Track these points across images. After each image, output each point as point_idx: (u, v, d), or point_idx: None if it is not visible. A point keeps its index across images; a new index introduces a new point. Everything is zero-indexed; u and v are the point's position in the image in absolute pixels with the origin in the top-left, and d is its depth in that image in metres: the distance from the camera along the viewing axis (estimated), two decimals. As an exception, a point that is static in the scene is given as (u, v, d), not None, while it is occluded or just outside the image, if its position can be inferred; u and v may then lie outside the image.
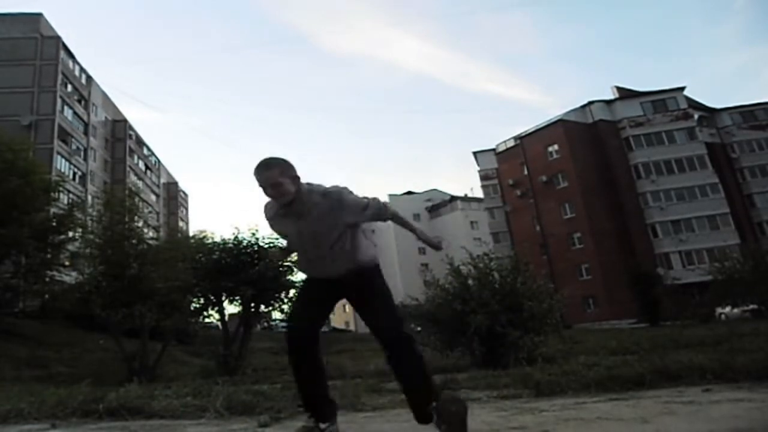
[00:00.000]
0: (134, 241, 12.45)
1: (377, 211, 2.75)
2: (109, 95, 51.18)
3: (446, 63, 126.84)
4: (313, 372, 2.65)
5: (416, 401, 2.50)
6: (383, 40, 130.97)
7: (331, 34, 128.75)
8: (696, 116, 44.69)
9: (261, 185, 2.56)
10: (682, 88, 44.72)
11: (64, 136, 39.74)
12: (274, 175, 2.53)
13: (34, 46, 39.49)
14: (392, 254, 55.25)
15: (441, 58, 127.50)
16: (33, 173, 17.79)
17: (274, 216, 2.71)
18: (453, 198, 68.83)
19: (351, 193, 2.67)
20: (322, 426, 2.55)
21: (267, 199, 2.67)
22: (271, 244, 12.03)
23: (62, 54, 40.69)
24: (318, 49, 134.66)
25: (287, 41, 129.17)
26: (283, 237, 2.86)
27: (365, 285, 2.69)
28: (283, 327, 35.63)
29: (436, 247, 2.93)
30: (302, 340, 2.66)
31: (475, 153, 51.88)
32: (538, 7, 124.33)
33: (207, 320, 13.82)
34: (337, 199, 2.60)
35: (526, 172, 45.65)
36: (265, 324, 28.12)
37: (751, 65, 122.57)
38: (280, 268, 11.91)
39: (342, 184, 2.67)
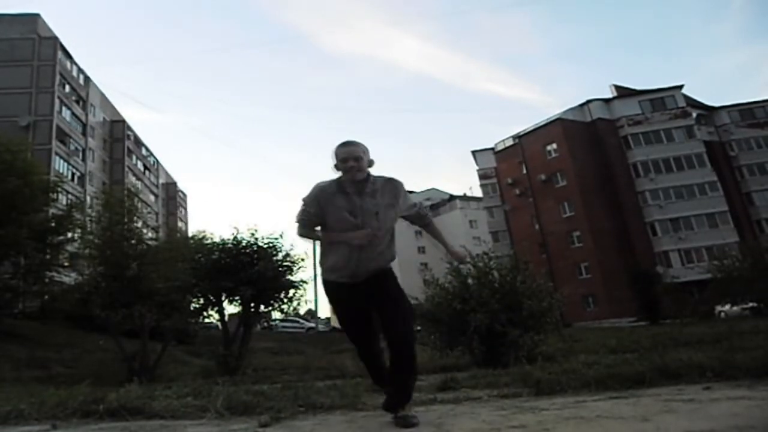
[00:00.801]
0: (133, 242, 12.44)
1: (423, 212, 3.05)
2: (108, 96, 51.14)
3: (446, 63, 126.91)
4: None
5: (400, 390, 2.73)
6: (383, 40, 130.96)
7: (331, 34, 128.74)
8: (694, 114, 44.71)
9: (343, 157, 2.73)
10: (681, 87, 44.74)
11: (63, 137, 39.68)
12: (359, 150, 2.76)
13: (32, 47, 39.42)
14: (391, 254, 55.15)
15: (440, 58, 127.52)
16: (31, 174, 17.75)
17: (335, 194, 2.77)
18: (452, 197, 68.85)
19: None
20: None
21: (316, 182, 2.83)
22: (270, 244, 12.04)
23: (60, 54, 40.62)
24: (318, 49, 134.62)
25: (287, 41, 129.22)
26: (335, 220, 2.82)
27: (390, 286, 2.83)
28: (283, 327, 35.42)
29: (462, 260, 3.56)
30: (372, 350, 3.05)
31: (473, 152, 51.86)
32: (537, 7, 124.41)
33: (207, 320, 13.82)
34: (399, 185, 2.84)
35: (524, 171, 45.64)
36: (265, 324, 28.15)
37: (749, 63, 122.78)
38: (280, 268, 11.92)
39: None
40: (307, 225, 2.89)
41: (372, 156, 2.83)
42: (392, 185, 2.81)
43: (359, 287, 2.79)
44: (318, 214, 2.81)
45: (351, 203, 2.74)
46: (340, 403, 3.37)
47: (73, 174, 40.59)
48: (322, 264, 2.96)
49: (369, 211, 2.73)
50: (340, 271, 2.82)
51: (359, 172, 2.72)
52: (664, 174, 41.53)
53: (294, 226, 2.96)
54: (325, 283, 2.97)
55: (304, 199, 2.88)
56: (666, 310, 27.20)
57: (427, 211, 3.00)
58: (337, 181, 2.80)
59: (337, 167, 2.80)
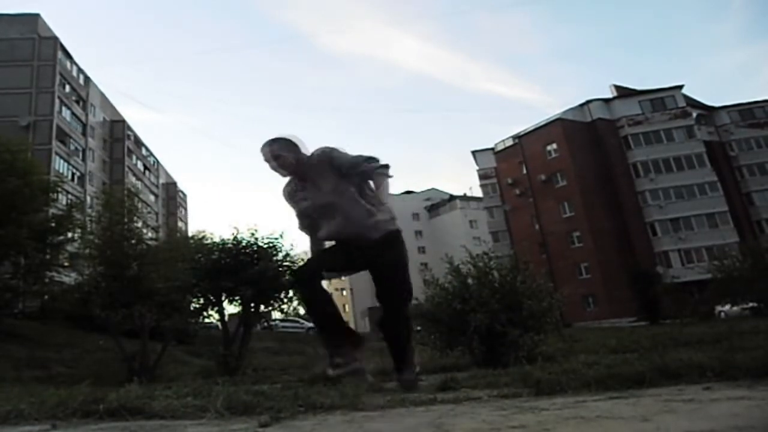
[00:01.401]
0: (133, 242, 12.45)
1: (367, 161, 2.95)
2: (108, 96, 51.19)
3: (446, 63, 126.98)
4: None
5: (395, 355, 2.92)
6: (383, 39, 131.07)
7: (331, 34, 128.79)
8: (694, 114, 44.74)
9: (265, 160, 2.86)
10: (681, 87, 44.77)
11: (63, 137, 39.70)
12: (275, 148, 2.85)
13: (32, 47, 39.45)
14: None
15: (440, 58, 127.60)
16: (32, 174, 17.76)
17: (294, 191, 3.03)
18: (452, 197, 68.86)
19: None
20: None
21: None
22: (271, 244, 12.04)
23: (60, 54, 40.65)
24: (318, 49, 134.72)
25: (287, 41, 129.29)
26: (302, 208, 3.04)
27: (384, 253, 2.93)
28: (283, 327, 35.43)
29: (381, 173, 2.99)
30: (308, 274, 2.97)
31: (473, 152, 51.91)
32: (537, 7, 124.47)
33: (207, 320, 13.81)
34: (324, 155, 2.84)
35: (524, 171, 45.68)
36: (265, 324, 28.14)
37: (749, 63, 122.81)
38: (280, 268, 11.92)
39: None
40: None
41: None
42: (321, 158, 2.85)
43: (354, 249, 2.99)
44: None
45: (306, 194, 2.95)
46: (340, 403, 3.37)
47: (73, 174, 40.62)
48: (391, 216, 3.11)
49: (321, 193, 2.86)
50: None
51: (282, 169, 2.87)
52: (664, 174, 41.55)
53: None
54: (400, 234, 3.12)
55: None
56: (666, 310, 27.21)
57: (372, 162, 2.88)
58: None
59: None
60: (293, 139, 2.80)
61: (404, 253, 2.92)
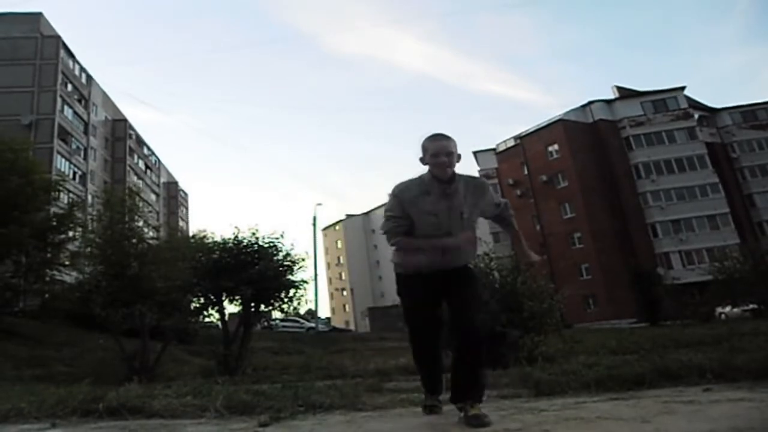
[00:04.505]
0: (134, 241, 12.45)
1: (506, 213, 3.00)
2: (109, 95, 51.20)
3: (447, 63, 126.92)
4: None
5: (469, 384, 2.61)
6: (384, 40, 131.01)
7: (331, 34, 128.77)
8: (696, 116, 44.69)
9: (435, 152, 2.60)
10: (683, 88, 44.72)
11: (64, 136, 39.74)
12: (452, 145, 2.63)
13: (34, 46, 39.48)
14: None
15: (441, 58, 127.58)
16: (33, 173, 17.79)
17: (418, 196, 2.64)
18: (453, 197, 68.80)
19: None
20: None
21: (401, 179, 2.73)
22: (271, 244, 12.03)
23: (62, 53, 40.68)
24: (318, 49, 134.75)
25: (288, 41, 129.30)
26: (419, 224, 2.69)
27: (463, 279, 2.75)
28: (283, 327, 35.42)
29: (532, 263, 3.25)
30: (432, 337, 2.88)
31: (474, 152, 51.87)
32: (538, 7, 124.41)
33: (207, 320, 13.81)
34: (484, 185, 2.77)
35: (526, 172, 45.65)
36: (266, 324, 28.14)
37: (752, 65, 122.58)
38: (280, 268, 11.91)
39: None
40: (399, 233, 2.71)
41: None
42: (477, 184, 2.74)
43: (434, 278, 2.72)
44: (406, 217, 2.67)
45: (436, 205, 2.63)
46: (340, 403, 3.37)
47: (74, 173, 40.65)
48: (396, 261, 2.86)
49: (455, 212, 2.64)
50: (416, 268, 2.76)
51: (449, 168, 2.60)
52: (665, 175, 41.51)
53: (384, 237, 2.78)
54: (399, 276, 2.89)
55: (386, 209, 2.75)
56: (666, 311, 27.18)
57: (510, 212, 2.92)
58: (420, 179, 2.68)
59: (423, 161, 2.68)
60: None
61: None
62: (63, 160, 39.01)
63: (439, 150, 2.59)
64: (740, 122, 46.47)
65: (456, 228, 2.65)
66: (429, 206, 2.63)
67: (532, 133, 46.15)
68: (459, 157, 2.66)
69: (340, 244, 74.19)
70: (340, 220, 75.04)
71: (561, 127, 43.64)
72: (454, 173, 2.64)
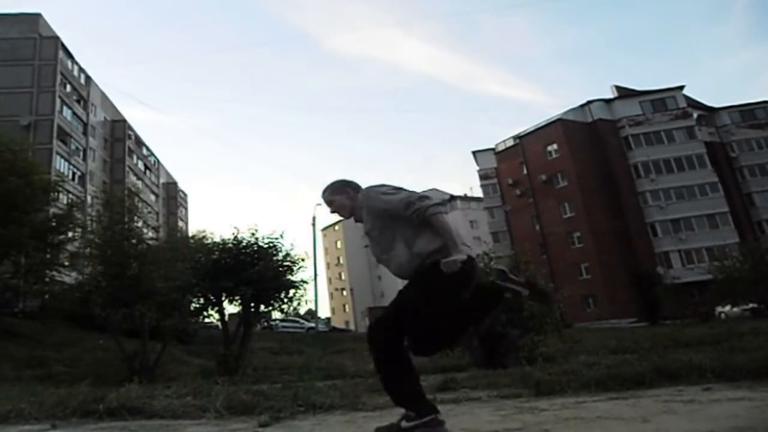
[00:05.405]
0: (134, 241, 12.46)
1: (418, 211, 2.47)
2: (109, 95, 51.15)
3: (447, 63, 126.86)
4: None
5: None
6: (385, 40, 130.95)
7: (333, 34, 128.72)
8: (695, 115, 44.69)
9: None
10: (682, 87, 44.71)
11: (63, 137, 39.70)
12: (326, 196, 2.75)
13: (33, 47, 39.43)
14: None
15: (442, 59, 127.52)
16: (32, 173, 17.78)
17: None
18: (452, 197, 68.80)
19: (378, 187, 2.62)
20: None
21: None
22: (271, 244, 12.05)
23: (61, 54, 40.64)
24: (319, 49, 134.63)
25: (288, 41, 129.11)
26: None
27: (407, 294, 2.60)
28: (283, 327, 35.29)
29: (451, 268, 2.40)
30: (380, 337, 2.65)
31: (474, 152, 51.88)
32: (539, 8, 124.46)
33: (207, 320, 13.82)
34: (366, 197, 2.62)
35: (525, 172, 45.63)
36: (265, 324, 28.14)
37: (751, 65, 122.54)
38: (280, 269, 11.93)
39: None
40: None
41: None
42: (366, 203, 2.61)
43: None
44: None
45: (366, 236, 2.73)
46: (340, 403, 3.37)
47: (73, 173, 40.61)
48: (462, 242, 2.55)
49: (371, 236, 2.66)
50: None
51: (341, 213, 2.74)
52: (664, 175, 41.52)
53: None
54: (469, 262, 2.59)
55: (409, 192, 2.68)
56: (666, 310, 27.19)
57: (426, 211, 2.41)
58: None
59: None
60: (343, 181, 2.75)
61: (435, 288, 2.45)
62: (62, 160, 38.97)
63: (326, 204, 2.78)
64: (739, 122, 46.48)
65: (385, 248, 2.61)
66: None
67: (531, 132, 46.15)
68: (341, 198, 2.71)
69: (339, 245, 74.21)
70: (340, 221, 74.87)
71: (560, 127, 43.63)
72: (351, 209, 2.71)
